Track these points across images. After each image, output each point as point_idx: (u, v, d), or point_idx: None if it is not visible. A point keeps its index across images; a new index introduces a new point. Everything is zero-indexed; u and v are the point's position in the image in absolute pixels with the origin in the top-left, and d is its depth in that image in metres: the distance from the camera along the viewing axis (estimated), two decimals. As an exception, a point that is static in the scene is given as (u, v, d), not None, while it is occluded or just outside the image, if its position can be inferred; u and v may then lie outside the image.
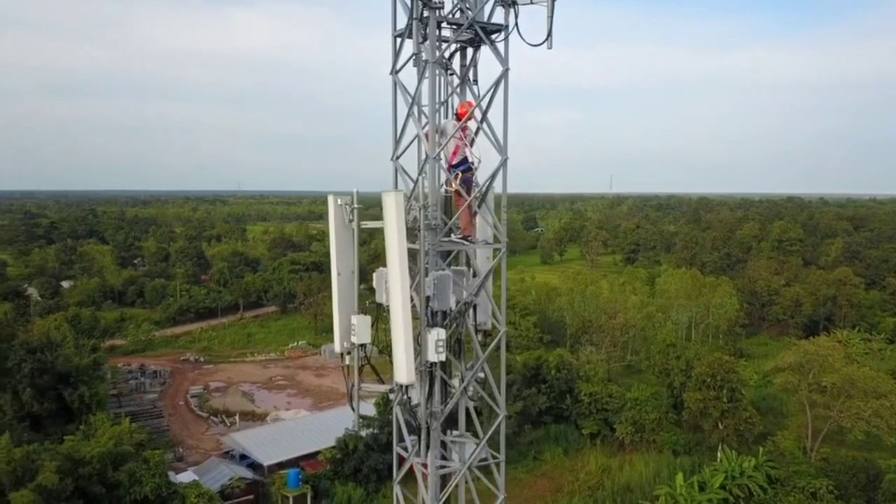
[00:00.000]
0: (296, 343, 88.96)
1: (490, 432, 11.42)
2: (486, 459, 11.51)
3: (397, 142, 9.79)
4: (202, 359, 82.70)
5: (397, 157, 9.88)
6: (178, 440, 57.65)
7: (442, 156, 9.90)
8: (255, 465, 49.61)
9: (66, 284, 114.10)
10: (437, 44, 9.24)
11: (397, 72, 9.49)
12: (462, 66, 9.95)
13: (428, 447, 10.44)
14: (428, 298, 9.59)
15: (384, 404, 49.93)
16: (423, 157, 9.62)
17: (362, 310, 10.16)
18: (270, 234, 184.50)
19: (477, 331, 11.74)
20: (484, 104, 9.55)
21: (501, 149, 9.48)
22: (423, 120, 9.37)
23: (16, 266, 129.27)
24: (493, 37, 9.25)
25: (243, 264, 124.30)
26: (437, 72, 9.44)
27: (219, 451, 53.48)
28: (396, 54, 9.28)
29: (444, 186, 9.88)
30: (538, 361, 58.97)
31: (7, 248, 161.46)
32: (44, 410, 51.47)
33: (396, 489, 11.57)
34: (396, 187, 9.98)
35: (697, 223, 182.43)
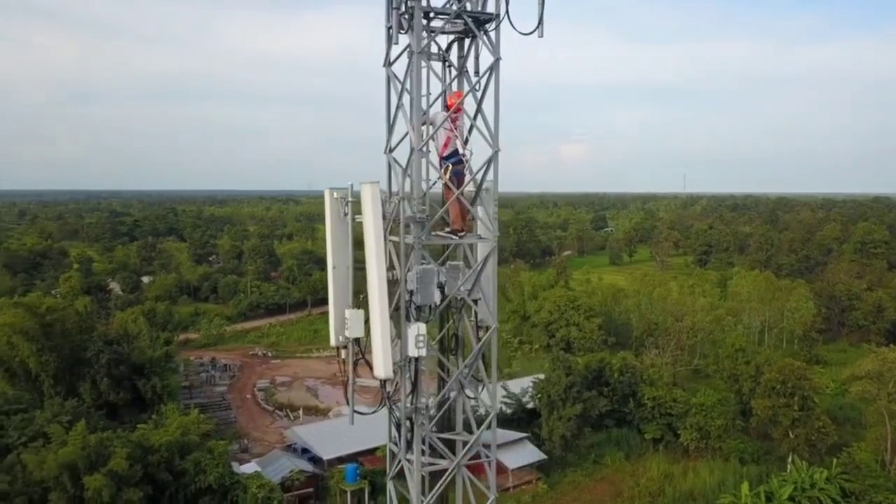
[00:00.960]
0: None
1: (482, 429, 11.23)
2: (478, 458, 11.26)
3: (390, 135, 9.73)
4: (270, 353, 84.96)
5: (391, 151, 9.82)
6: (245, 432, 59.32)
7: (433, 148, 9.84)
8: (315, 459, 50.55)
9: (146, 280, 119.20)
10: (430, 35, 9.14)
11: (391, 64, 9.44)
12: (460, 57, 9.84)
13: (410, 444, 10.25)
14: (411, 293, 9.53)
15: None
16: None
17: (356, 304, 10.13)
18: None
19: (479, 328, 11.60)
20: (477, 96, 9.45)
21: (493, 141, 9.34)
22: (416, 112, 9.35)
23: (101, 262, 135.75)
24: (488, 26, 9.10)
25: (312, 262, 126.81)
26: (426, 63, 9.37)
27: (282, 444, 54.76)
28: (390, 47, 9.24)
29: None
30: (601, 364, 58.03)
31: (94, 244, 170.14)
32: (119, 399, 53.89)
33: (389, 485, 11.51)
34: (390, 181, 9.93)
35: (774, 224, 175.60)
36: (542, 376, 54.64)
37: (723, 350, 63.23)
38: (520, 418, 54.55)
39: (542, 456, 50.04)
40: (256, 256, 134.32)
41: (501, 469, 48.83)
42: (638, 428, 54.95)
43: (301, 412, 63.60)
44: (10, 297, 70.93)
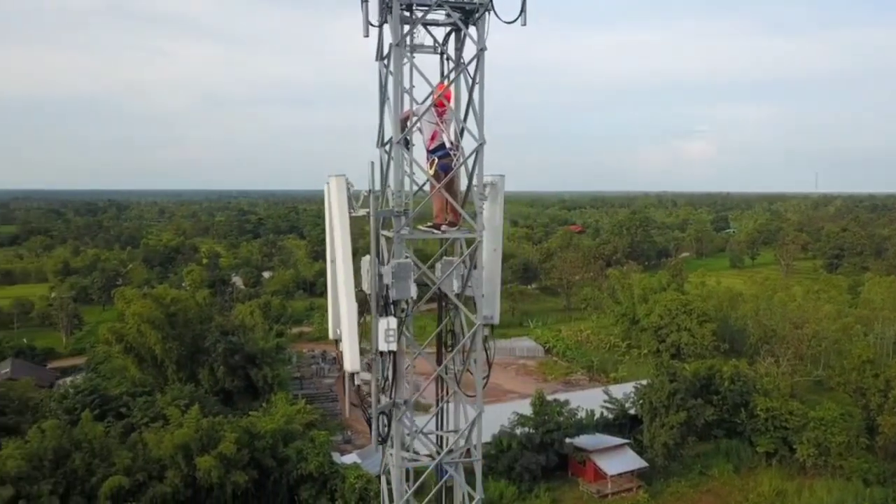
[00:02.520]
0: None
1: (468, 426, 10.95)
2: (466, 456, 10.90)
3: (382, 129, 9.64)
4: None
5: (383, 145, 9.74)
6: (349, 424, 61.12)
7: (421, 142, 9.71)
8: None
9: (266, 275, 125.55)
10: (412, 26, 8.96)
11: (383, 58, 9.37)
12: (457, 49, 9.62)
13: (384, 438, 10.15)
14: (387, 287, 9.43)
15: (540, 404, 49.68)
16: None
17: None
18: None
19: (485, 325, 11.35)
20: (462, 87, 9.16)
21: (478, 134, 9.07)
22: (413, 105, 9.25)
23: (227, 257, 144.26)
24: (477, 16, 8.83)
25: (421, 260, 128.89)
26: (407, 56, 9.24)
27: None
28: (381, 41, 9.17)
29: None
30: (710, 371, 55.40)
31: (222, 241, 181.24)
32: (234, 387, 57.09)
33: (383, 480, 11.45)
34: (383, 175, 9.83)
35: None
36: (644, 382, 52.88)
37: (849, 361, 58.61)
38: (621, 424, 53.06)
39: (644, 463, 48.43)
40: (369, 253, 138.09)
41: (600, 475, 47.74)
42: (749, 440, 52.02)
43: (403, 407, 64.72)
44: (141, 289, 76.77)
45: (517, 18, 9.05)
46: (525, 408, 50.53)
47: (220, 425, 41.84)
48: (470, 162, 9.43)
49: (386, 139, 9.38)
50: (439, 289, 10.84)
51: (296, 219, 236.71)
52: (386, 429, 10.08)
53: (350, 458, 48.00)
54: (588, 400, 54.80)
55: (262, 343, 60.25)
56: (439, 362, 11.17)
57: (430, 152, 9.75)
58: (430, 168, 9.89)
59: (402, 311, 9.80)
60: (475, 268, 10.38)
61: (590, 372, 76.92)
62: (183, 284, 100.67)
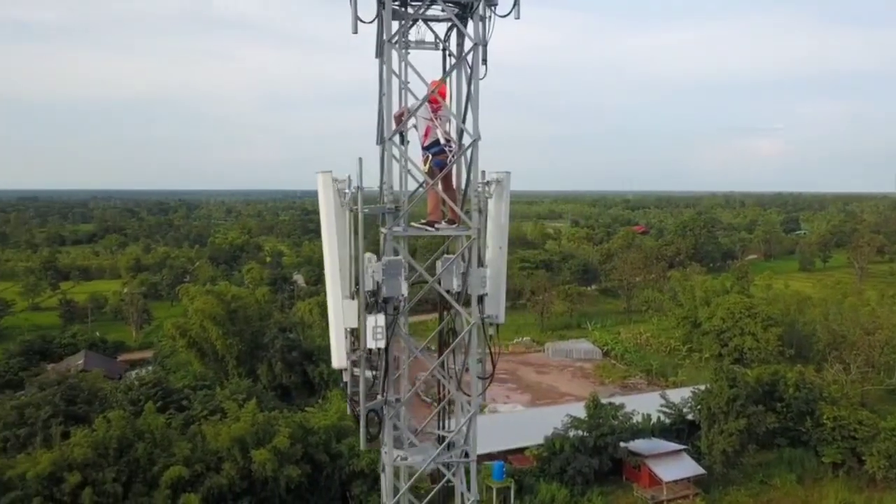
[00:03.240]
0: (520, 339, 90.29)
1: (459, 427, 10.76)
2: (453, 458, 10.74)
3: (381, 126, 9.53)
4: (433, 347, 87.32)
5: (382, 142, 9.60)
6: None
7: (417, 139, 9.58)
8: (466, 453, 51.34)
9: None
10: (403, 23, 8.87)
11: (382, 55, 9.28)
12: (458, 45, 9.45)
13: (371, 437, 10.15)
14: (377, 284, 9.35)
15: (594, 407, 48.98)
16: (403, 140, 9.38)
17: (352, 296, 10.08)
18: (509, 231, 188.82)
19: (489, 324, 11.18)
20: (451, 82, 8.96)
21: (472, 130, 8.87)
22: (410, 100, 9.15)
23: (290, 256, 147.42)
24: (472, 10, 8.64)
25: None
26: (405, 52, 9.13)
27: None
28: (381, 37, 9.06)
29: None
30: (774, 377, 53.55)
31: (285, 240, 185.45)
32: (291, 383, 58.34)
33: (381, 476, 11.36)
34: (390, 169, 9.75)
35: None
36: (702, 387, 51.47)
37: (925, 370, 55.74)
38: (679, 429, 51.77)
39: (701, 470, 47.13)
40: (429, 254, 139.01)
41: (656, 481, 46.72)
42: (815, 450, 49.99)
43: (457, 406, 64.86)
44: (205, 286, 79.21)
45: (510, 12, 8.92)
46: (579, 410, 49.89)
47: (276, 420, 42.76)
48: (467, 159, 9.34)
49: (390, 134, 9.33)
50: (439, 287, 10.80)
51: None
52: (377, 427, 10.08)
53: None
54: (644, 404, 53.73)
55: (319, 340, 61.30)
56: (442, 363, 11.11)
57: (425, 149, 9.70)
58: (425, 165, 9.84)
59: (395, 308, 9.76)
60: (480, 265, 10.28)
61: (648, 376, 75.39)
62: (244, 282, 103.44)
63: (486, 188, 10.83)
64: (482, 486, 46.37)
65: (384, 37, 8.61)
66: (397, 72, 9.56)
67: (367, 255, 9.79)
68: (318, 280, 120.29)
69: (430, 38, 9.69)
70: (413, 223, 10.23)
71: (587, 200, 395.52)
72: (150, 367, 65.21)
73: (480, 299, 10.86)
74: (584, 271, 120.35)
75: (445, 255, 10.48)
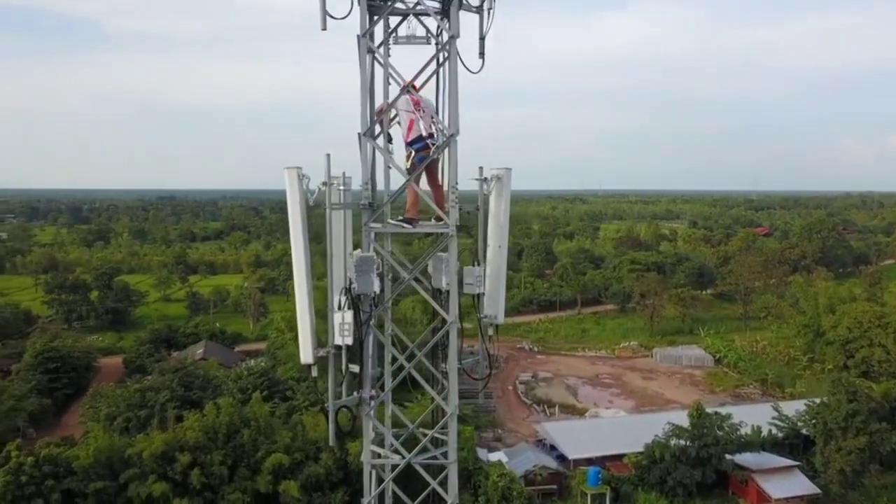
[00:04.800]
0: (627, 343, 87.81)
1: (437, 427, 10.29)
2: (435, 457, 10.31)
3: (366, 117, 9.24)
4: (536, 348, 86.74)
5: (367, 133, 9.31)
6: (501, 422, 61.49)
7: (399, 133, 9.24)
8: (564, 457, 50.55)
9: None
10: (375, 17, 8.60)
11: (379, 47, 9.00)
12: (451, 37, 9.03)
13: (343, 433, 9.97)
14: (351, 281, 9.08)
15: (698, 416, 46.83)
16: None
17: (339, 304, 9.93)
18: (620, 232, 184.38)
19: (488, 325, 10.73)
20: (427, 76, 8.60)
21: (449, 124, 8.44)
22: (402, 98, 8.86)
23: (396, 254, 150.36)
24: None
25: (587, 261, 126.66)
26: (375, 47, 8.83)
27: (532, 438, 55.70)
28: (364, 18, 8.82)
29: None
30: (905, 393, 49.16)
31: (396, 238, 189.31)
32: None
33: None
34: (367, 165, 9.46)
35: None
36: (817, 400, 48.01)
37: None
38: (792, 444, 48.63)
39: (815, 490, 44.01)
40: (534, 253, 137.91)
41: (764, 497, 44.14)
42: (952, 475, 45.54)
43: (557, 409, 64.01)
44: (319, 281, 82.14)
45: (482, 4, 8.63)
46: (684, 419, 47.88)
47: (421, 410, 43.79)
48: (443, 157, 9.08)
49: (363, 130, 9.17)
50: (430, 286, 10.62)
51: (466, 218, 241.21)
52: (350, 424, 10.00)
53: (497, 456, 48.23)
54: (755, 415, 50.86)
55: (417, 337, 62.08)
56: (434, 360, 10.88)
57: (408, 144, 9.51)
58: (408, 161, 9.65)
59: (373, 305, 9.63)
60: (477, 264, 10.00)
61: (763, 386, 71.24)
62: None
63: (486, 185, 10.56)
64: (577, 490, 45.52)
65: (358, 32, 8.53)
66: (390, 68, 9.47)
67: (357, 251, 9.77)
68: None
69: (420, 32, 9.51)
70: (390, 220, 10.13)
71: (707, 200, 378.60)
72: (262, 358, 68.46)
73: (478, 298, 10.64)
74: (700, 274, 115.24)
75: (438, 254, 10.32)
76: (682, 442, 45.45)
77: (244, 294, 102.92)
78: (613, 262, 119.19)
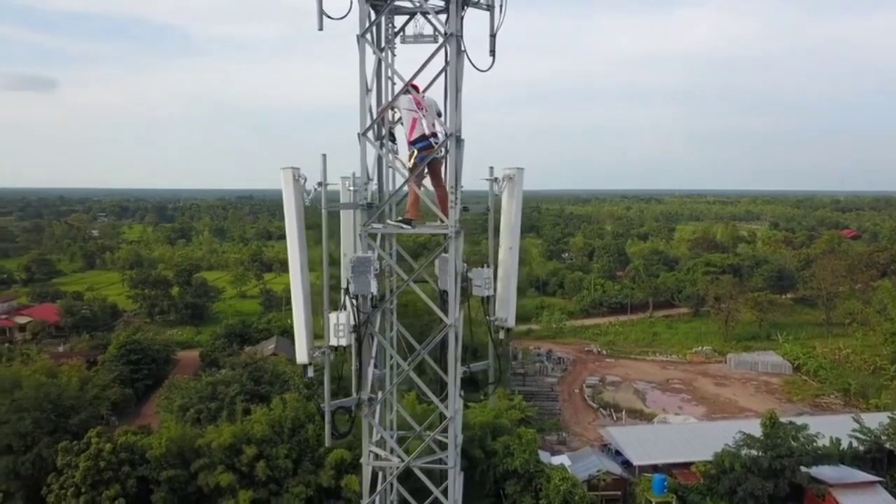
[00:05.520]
0: (700, 347, 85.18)
1: (436, 432, 9.97)
2: (437, 462, 10.22)
3: (364, 117, 9.06)
4: (604, 351, 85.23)
5: (365, 133, 9.15)
6: (566, 425, 60.74)
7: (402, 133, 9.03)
8: (629, 463, 49.51)
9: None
10: (376, 15, 8.43)
11: (386, 46, 8.82)
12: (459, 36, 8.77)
13: (336, 435, 9.95)
14: (349, 282, 8.91)
15: (771, 425, 44.97)
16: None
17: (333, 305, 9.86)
18: (696, 233, 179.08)
19: (498, 328, 10.40)
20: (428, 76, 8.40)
21: (449, 124, 8.16)
22: (404, 98, 8.67)
23: (467, 253, 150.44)
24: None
25: (661, 263, 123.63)
26: (370, 46, 8.61)
27: (598, 443, 54.76)
28: (378, 31, 8.66)
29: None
30: None
31: (464, 238, 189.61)
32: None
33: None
34: (365, 165, 9.28)
35: None
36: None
37: None
38: (874, 458, 46.09)
39: (899, 507, 41.62)
40: (605, 254, 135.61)
41: (843, 514, 42.01)
42: None
43: (624, 414, 62.75)
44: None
45: (492, 0, 8.40)
46: (756, 428, 46.08)
47: (432, 412, 43.96)
48: (454, 156, 8.89)
49: (362, 130, 9.06)
50: (437, 287, 10.49)
51: (536, 218, 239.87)
52: (349, 425, 9.97)
53: (560, 459, 47.66)
54: (834, 427, 48.40)
55: (485, 337, 61.95)
56: (443, 363, 10.71)
57: (411, 144, 9.36)
58: (410, 160, 9.51)
59: (373, 306, 9.56)
60: (490, 267, 9.80)
61: (846, 396, 67.79)
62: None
63: (497, 185, 10.37)
64: (642, 498, 44.48)
65: (358, 31, 8.48)
66: (392, 68, 9.41)
67: (354, 255, 9.74)
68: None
69: (427, 30, 9.38)
70: (389, 220, 10.05)
71: (790, 201, 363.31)
72: (330, 355, 69.75)
73: (487, 301, 10.47)
74: (779, 278, 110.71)
75: (443, 256, 10.19)
76: (754, 452, 43.73)
77: (314, 292, 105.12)
78: (687, 265, 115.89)
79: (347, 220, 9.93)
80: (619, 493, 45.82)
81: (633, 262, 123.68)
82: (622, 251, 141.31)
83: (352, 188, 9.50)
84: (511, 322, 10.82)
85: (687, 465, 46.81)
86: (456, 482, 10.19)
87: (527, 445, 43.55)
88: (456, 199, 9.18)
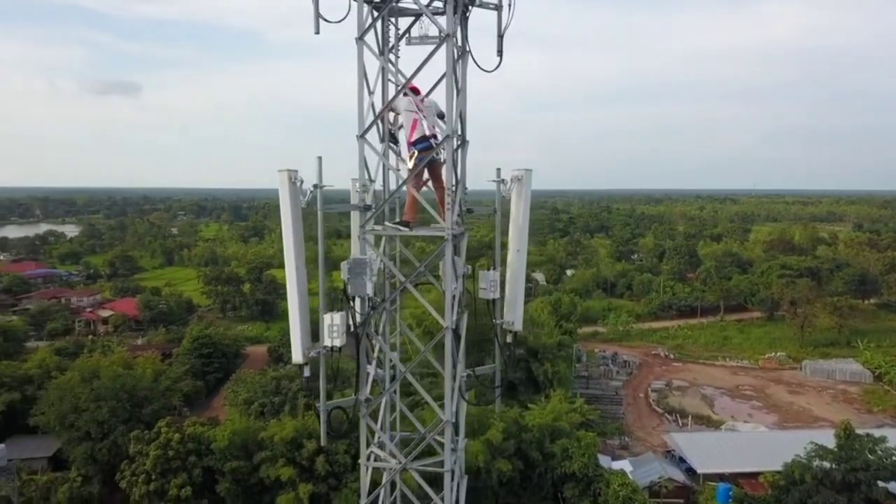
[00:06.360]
0: (773, 353, 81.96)
1: (432, 434, 9.66)
2: (432, 465, 10.02)
3: (362, 118, 8.88)
4: (672, 355, 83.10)
5: (363, 135, 8.97)
6: (629, 430, 59.55)
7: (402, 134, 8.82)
8: (693, 471, 48.20)
9: (569, 273, 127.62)
10: (376, 18, 8.29)
11: (391, 50, 8.64)
12: (463, 38, 8.50)
13: (331, 433, 9.99)
14: (346, 282, 8.75)
15: (846, 437, 42.89)
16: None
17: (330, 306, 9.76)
18: (772, 235, 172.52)
19: (506, 331, 10.09)
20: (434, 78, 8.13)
21: (448, 125, 7.90)
22: (402, 98, 8.49)
23: (534, 253, 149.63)
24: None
25: (734, 265, 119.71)
26: (368, 48, 8.41)
27: (661, 448, 53.50)
28: (385, 40, 8.50)
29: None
30: None
31: (532, 237, 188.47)
32: (516, 378, 59.29)
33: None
34: (363, 167, 9.10)
35: None
36: None
37: None
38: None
39: None
40: (676, 256, 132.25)
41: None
42: None
43: (690, 420, 61.04)
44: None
45: (500, 0, 8.21)
46: (830, 439, 44.06)
47: (491, 413, 43.85)
48: (455, 157, 8.73)
49: (360, 132, 8.96)
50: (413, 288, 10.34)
51: (606, 218, 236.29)
52: (346, 425, 9.92)
53: (621, 464, 46.81)
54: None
55: (545, 339, 61.50)
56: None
57: (412, 144, 9.22)
58: (410, 161, 9.37)
59: (372, 307, 9.48)
60: (493, 268, 9.59)
61: (933, 408, 64.03)
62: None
63: (504, 187, 10.18)
64: (705, 507, 43.19)
65: (356, 34, 8.43)
66: (396, 68, 9.35)
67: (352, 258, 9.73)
68: (558, 279, 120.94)
69: (432, 31, 9.25)
70: (387, 222, 9.95)
71: (877, 201, 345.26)
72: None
73: (493, 304, 10.31)
74: (861, 282, 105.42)
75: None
76: (827, 464, 41.80)
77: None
78: (762, 267, 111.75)
79: (356, 222, 10.03)
80: (681, 501, 44.65)
81: (704, 264, 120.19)
82: (693, 252, 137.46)
83: (359, 190, 9.56)
84: (518, 325, 10.66)
85: (754, 474, 45.23)
86: (460, 487, 10.14)
87: (586, 449, 42.91)
88: (454, 201, 9.10)
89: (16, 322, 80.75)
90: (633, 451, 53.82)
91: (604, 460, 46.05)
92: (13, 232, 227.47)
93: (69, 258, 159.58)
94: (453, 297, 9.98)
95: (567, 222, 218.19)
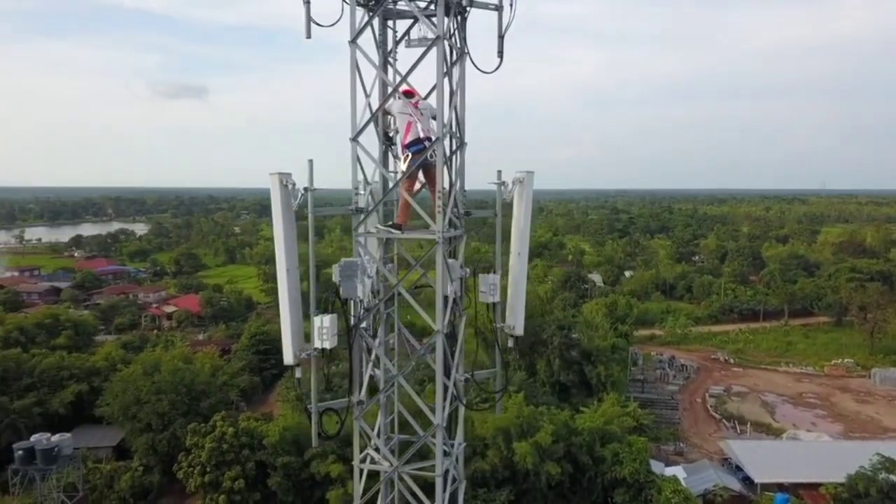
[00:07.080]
0: (840, 360, 78.69)
1: (426, 435, 9.38)
2: (425, 468, 9.72)
3: (356, 120, 8.74)
4: (732, 360, 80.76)
5: (356, 137, 8.81)
6: (684, 435, 58.16)
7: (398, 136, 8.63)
8: (750, 480, 46.76)
9: (627, 274, 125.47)
10: (371, 18, 8.12)
11: (389, 52, 8.48)
12: (461, 39, 8.27)
13: (321, 435, 9.74)
14: (339, 285, 8.59)
15: (914, 449, 40.94)
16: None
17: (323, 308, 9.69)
18: (842, 236, 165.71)
19: (508, 335, 9.77)
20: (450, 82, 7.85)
21: (437, 128, 7.66)
22: (397, 101, 8.32)
23: (591, 254, 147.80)
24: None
25: (800, 268, 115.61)
26: (360, 51, 8.21)
27: (718, 456, 52.09)
28: (360, 22, 8.32)
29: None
30: None
31: (590, 238, 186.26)
32: (569, 381, 58.68)
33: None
34: (356, 169, 8.92)
35: None
36: None
37: None
38: None
39: None
40: (738, 257, 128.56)
41: None
42: None
43: (749, 427, 59.19)
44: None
45: (500, 1, 8.03)
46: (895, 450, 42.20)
47: (541, 415, 43.53)
48: (454, 160, 8.56)
49: (355, 134, 8.87)
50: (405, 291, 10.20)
51: (667, 218, 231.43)
52: (339, 426, 9.85)
53: (674, 471, 45.78)
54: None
55: (599, 341, 60.64)
56: (446, 369, 10.36)
57: (406, 147, 9.09)
58: (404, 163, 9.24)
59: (365, 310, 9.39)
60: (493, 272, 9.43)
61: None
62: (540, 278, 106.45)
63: (504, 189, 9.98)
64: (762, 518, 41.84)
65: (349, 37, 8.38)
66: (395, 70, 9.27)
67: (343, 260, 9.69)
68: (615, 280, 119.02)
69: (430, 35, 9.12)
70: (379, 225, 9.83)
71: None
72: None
73: (494, 308, 10.11)
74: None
75: (451, 260, 9.88)
76: (894, 477, 39.99)
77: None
78: (829, 270, 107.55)
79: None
80: (737, 510, 43.39)
81: (768, 267, 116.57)
82: (757, 254, 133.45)
83: (362, 192, 9.59)
84: (520, 330, 10.48)
85: (815, 485, 43.58)
86: (458, 491, 10.06)
87: (637, 454, 42.11)
88: (446, 203, 9.02)
89: (86, 316, 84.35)
90: (688, 458, 52.54)
91: (656, 466, 45.11)
92: (87, 230, 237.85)
93: (138, 255, 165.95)
94: (445, 300, 9.88)
95: (627, 222, 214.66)
